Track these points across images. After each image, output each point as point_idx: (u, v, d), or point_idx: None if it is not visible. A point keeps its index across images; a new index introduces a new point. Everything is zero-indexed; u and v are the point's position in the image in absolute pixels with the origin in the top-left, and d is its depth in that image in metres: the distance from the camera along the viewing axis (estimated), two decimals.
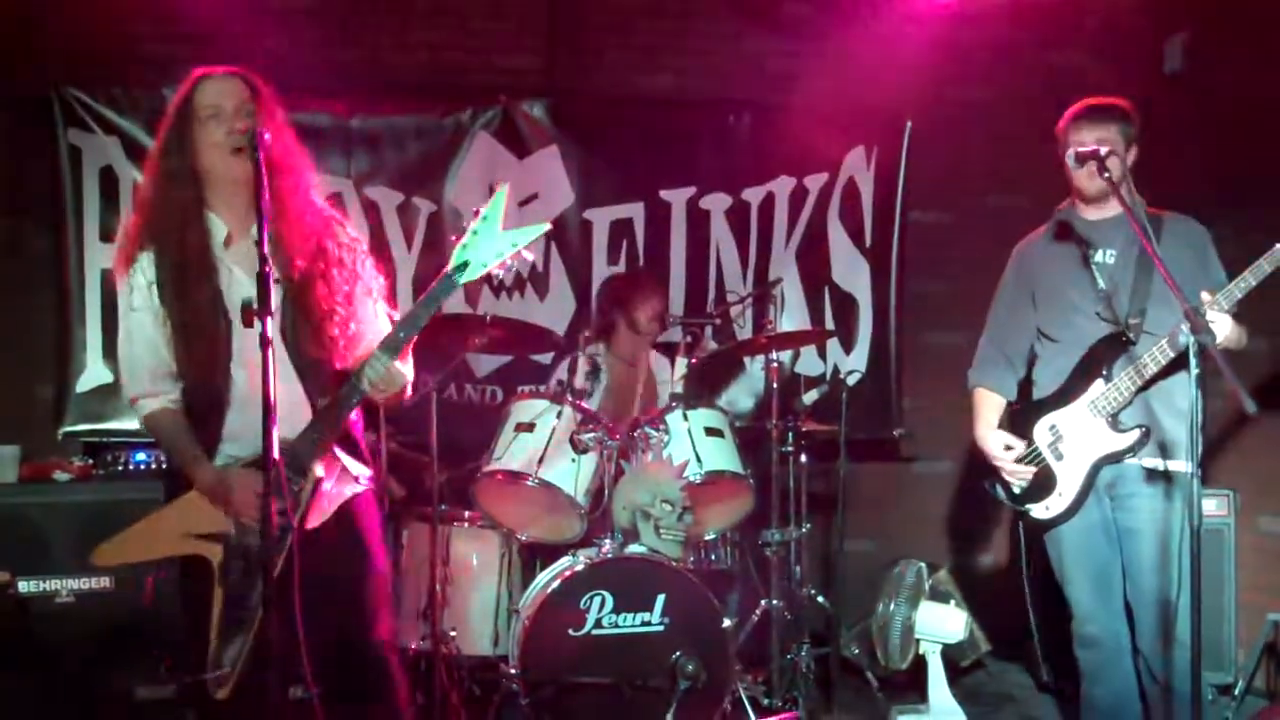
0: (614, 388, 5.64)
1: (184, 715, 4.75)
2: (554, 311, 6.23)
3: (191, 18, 5.92)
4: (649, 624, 4.58)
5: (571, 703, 4.44)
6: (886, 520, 6.60)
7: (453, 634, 4.99)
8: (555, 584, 4.58)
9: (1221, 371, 3.41)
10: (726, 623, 4.67)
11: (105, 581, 4.91)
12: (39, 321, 5.84)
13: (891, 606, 5.45)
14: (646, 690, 4.47)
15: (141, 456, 5.28)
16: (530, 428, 4.92)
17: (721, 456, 5.03)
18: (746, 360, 6.36)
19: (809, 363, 6.49)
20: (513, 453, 4.91)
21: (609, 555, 4.69)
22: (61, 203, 5.80)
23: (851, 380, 5.87)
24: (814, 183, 6.51)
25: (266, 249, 3.13)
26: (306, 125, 5.95)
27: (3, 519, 4.91)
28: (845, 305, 6.57)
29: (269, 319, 3.00)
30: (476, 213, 3.36)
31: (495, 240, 3.29)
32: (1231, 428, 5.73)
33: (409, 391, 3.55)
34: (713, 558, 5.30)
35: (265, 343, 2.99)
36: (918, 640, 5.35)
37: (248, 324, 3.07)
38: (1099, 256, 4.25)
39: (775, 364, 5.30)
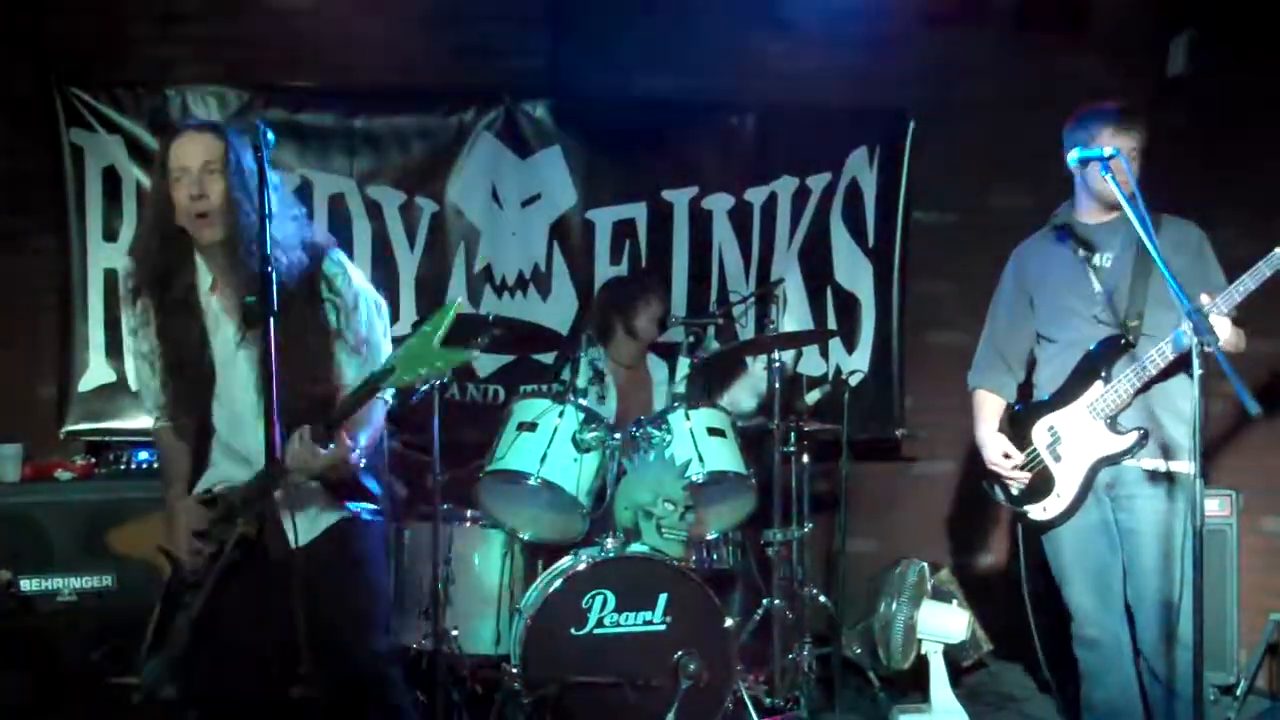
0: (621, 393, 5.64)
1: (185, 714, 4.80)
2: (556, 311, 6.22)
3: (194, 17, 5.94)
4: (651, 623, 4.59)
5: (573, 702, 4.45)
6: (888, 520, 6.58)
7: (454, 633, 4.98)
8: (557, 583, 4.59)
9: (1224, 373, 3.41)
10: (728, 622, 4.67)
11: (107, 580, 4.93)
12: (41, 321, 5.85)
13: (893, 606, 5.45)
14: (648, 689, 4.48)
15: (144, 455, 5.29)
16: (532, 427, 4.92)
17: (724, 456, 5.03)
18: (749, 360, 6.35)
19: (811, 363, 6.48)
20: (515, 452, 4.91)
21: (611, 554, 4.69)
22: (64, 202, 5.81)
23: (854, 380, 5.89)
24: (817, 182, 6.50)
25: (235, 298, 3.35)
26: (310, 125, 6.00)
27: (5, 518, 4.92)
28: (848, 305, 6.56)
29: (271, 321, 3.04)
30: (421, 320, 3.41)
31: (428, 355, 3.16)
32: (1233, 429, 5.73)
33: (349, 461, 3.40)
34: (715, 557, 5.29)
35: (268, 340, 3.03)
36: (919, 640, 5.36)
37: (251, 325, 3.16)
38: (1097, 259, 4.26)
39: (778, 364, 5.30)
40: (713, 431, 5.08)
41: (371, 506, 3.60)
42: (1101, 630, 4.28)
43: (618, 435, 4.95)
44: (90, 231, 5.81)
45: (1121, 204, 3.85)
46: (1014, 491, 4.38)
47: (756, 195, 6.44)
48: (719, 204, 6.41)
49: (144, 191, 5.71)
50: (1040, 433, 4.31)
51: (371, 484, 3.61)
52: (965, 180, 6.63)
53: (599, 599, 4.55)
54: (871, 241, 6.56)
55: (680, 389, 5.59)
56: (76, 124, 5.81)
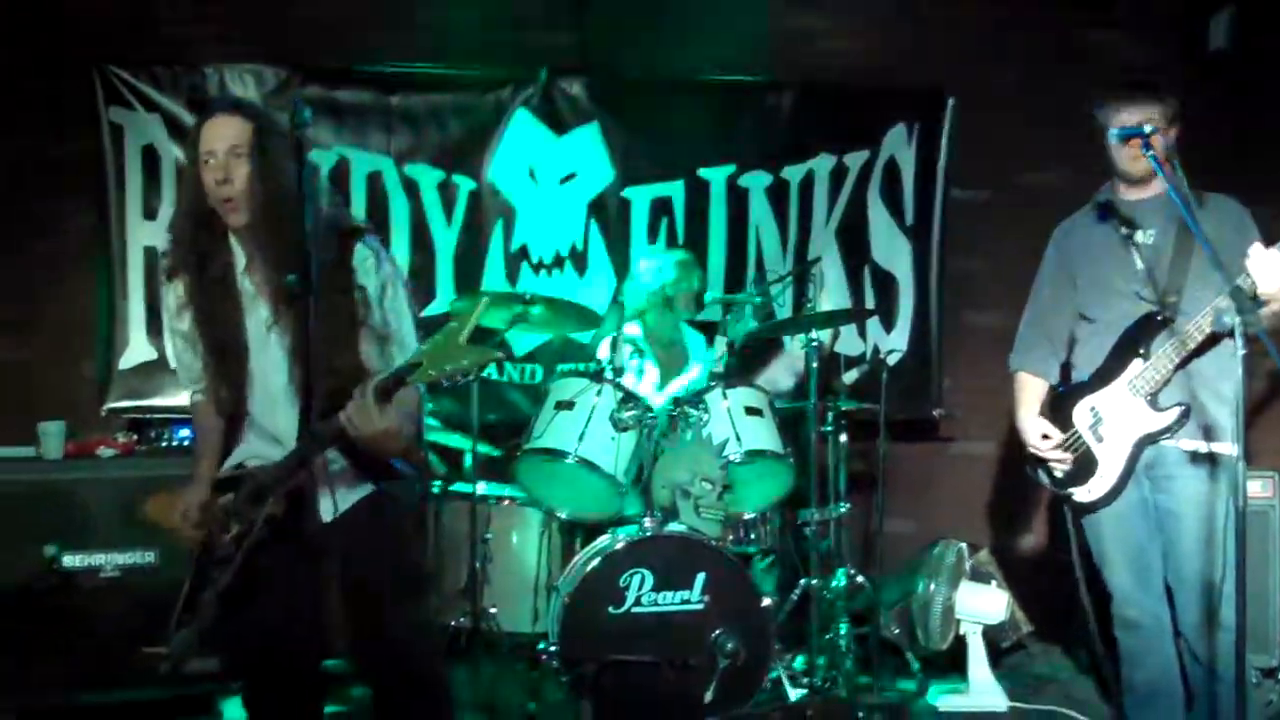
0: (661, 369, 5.64)
1: (228, 688, 4.84)
2: (594, 289, 6.22)
3: None
4: (688, 602, 4.58)
5: (611, 681, 4.45)
6: (926, 500, 6.57)
7: (492, 611, 5.01)
8: (595, 562, 4.59)
9: (1268, 352, 3.38)
10: (766, 601, 4.67)
11: (150, 556, 4.95)
12: (83, 299, 5.87)
13: (932, 587, 5.44)
14: (686, 668, 4.47)
15: (185, 432, 5.29)
16: (570, 405, 4.93)
17: (761, 435, 5.02)
18: (786, 339, 6.33)
19: (849, 342, 6.45)
20: (553, 431, 4.91)
21: (649, 533, 4.69)
22: (104, 181, 5.83)
23: (892, 360, 5.84)
24: (854, 160, 6.47)
25: (264, 279, 3.39)
26: (347, 104, 6.00)
27: (49, 494, 4.95)
28: (886, 284, 6.53)
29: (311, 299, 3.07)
30: (448, 315, 3.43)
31: (454, 353, 3.12)
32: (1276, 409, 5.68)
33: (398, 445, 3.35)
34: (752, 536, 5.30)
35: (306, 317, 3.09)
36: (958, 621, 5.35)
37: (287, 303, 3.19)
38: (1139, 236, 4.22)
39: (815, 343, 5.28)
40: (750, 411, 5.07)
41: (400, 483, 3.59)
42: (1141, 612, 4.25)
43: (654, 414, 4.95)
44: (130, 210, 5.82)
45: (1156, 180, 3.82)
46: (1058, 474, 4.35)
47: (794, 173, 6.41)
48: (756, 182, 6.39)
49: (182, 169, 5.73)
50: (1082, 414, 4.27)
51: (399, 464, 3.60)
52: (1002, 158, 6.59)
53: (636, 578, 4.55)
54: (909, 219, 6.53)
55: (718, 368, 5.58)
56: (115, 103, 5.82)
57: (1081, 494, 4.27)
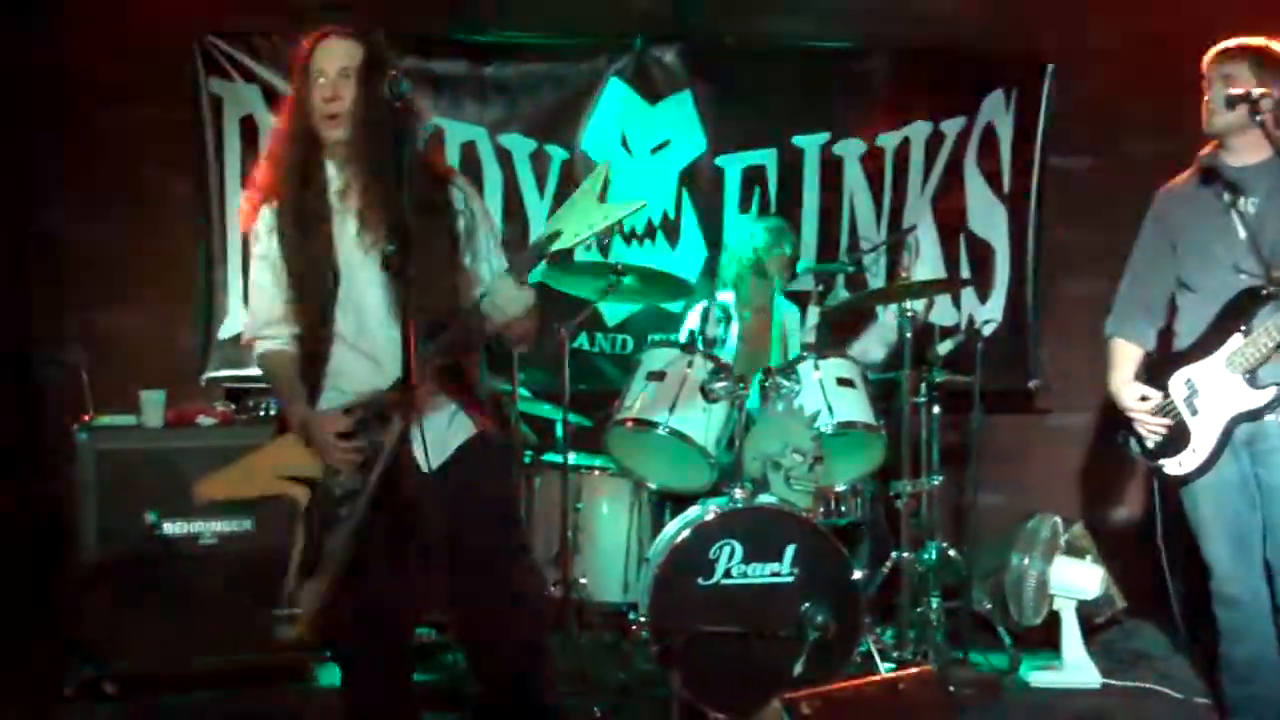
0: (747, 337, 5.63)
1: (322, 654, 4.92)
2: (685, 259, 6.20)
3: None
4: (778, 574, 4.58)
5: (700, 651, 4.47)
6: (1020, 473, 6.50)
7: (583, 581, 5.05)
8: (685, 533, 4.60)
9: None
10: (856, 574, 4.66)
11: (247, 524, 5.04)
12: (182, 269, 5.95)
13: (1025, 561, 5.39)
14: (775, 641, 4.49)
15: None
16: (661, 376, 4.93)
17: (853, 407, 5.01)
18: (879, 309, 6.28)
19: (943, 312, 6.37)
20: (644, 401, 4.93)
21: (739, 505, 4.69)
22: (203, 151, 5.89)
23: (987, 330, 5.79)
24: (951, 127, 6.39)
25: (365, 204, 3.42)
26: (442, 74, 6.03)
27: (150, 462, 5.04)
28: (981, 253, 6.45)
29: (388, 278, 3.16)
30: (577, 183, 3.44)
31: (590, 212, 3.28)
32: None
33: (533, 326, 3.53)
34: (843, 509, 5.28)
35: (406, 289, 3.09)
36: (1052, 596, 5.30)
37: (386, 269, 3.23)
38: (1243, 204, 4.13)
39: (909, 313, 5.24)
40: (842, 382, 5.05)
41: (489, 418, 3.64)
42: (1241, 588, 4.19)
43: (743, 381, 4.93)
44: (229, 181, 5.87)
45: (1263, 146, 3.74)
46: (1149, 444, 4.29)
47: (889, 141, 6.34)
48: (850, 150, 6.33)
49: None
50: (1177, 385, 4.20)
51: (482, 395, 3.66)
52: (1102, 125, 6.48)
53: (726, 549, 4.56)
54: (1006, 188, 6.44)
55: (809, 338, 5.55)
56: (215, 74, 5.87)
57: (1172, 466, 4.21)
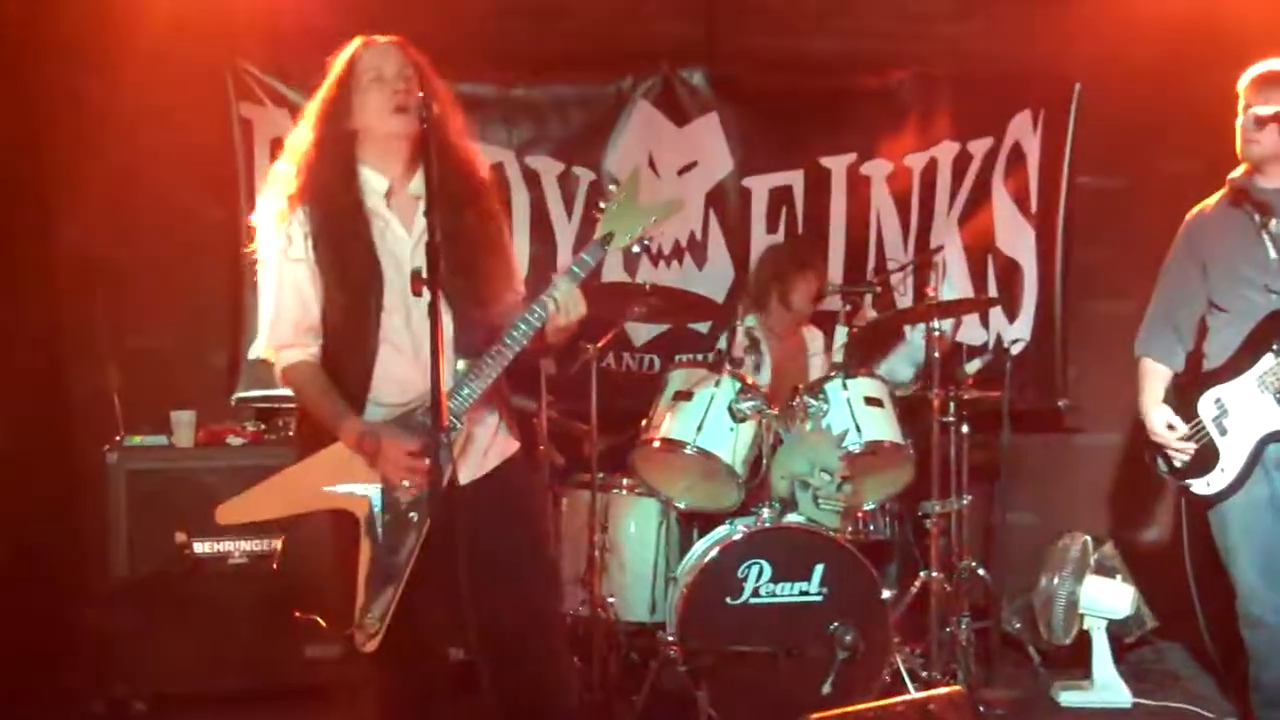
0: (775, 364, 5.63)
1: (350, 675, 4.92)
2: (712, 280, 6.20)
3: None
4: (807, 594, 4.59)
5: (728, 671, 4.48)
6: (1049, 492, 6.47)
7: (610, 600, 5.04)
8: (713, 552, 4.61)
9: None
10: (885, 594, 4.65)
11: (277, 544, 5.07)
12: (213, 290, 5.99)
13: (1055, 581, 5.36)
14: (804, 660, 4.49)
15: None
16: (688, 396, 4.95)
17: (881, 426, 5.00)
18: (907, 329, 6.25)
19: (971, 331, 6.37)
20: (671, 421, 4.94)
21: (767, 524, 4.70)
22: (234, 174, 5.94)
23: (1015, 349, 5.76)
24: (978, 148, 6.38)
25: (418, 208, 3.36)
26: (469, 96, 5.98)
27: (180, 482, 5.08)
28: (1009, 272, 6.44)
29: (440, 291, 3.05)
30: (611, 192, 3.46)
31: (635, 214, 3.41)
32: None
33: (576, 328, 3.51)
34: (871, 528, 5.27)
35: (436, 314, 3.03)
36: (1082, 615, 5.27)
37: (416, 293, 3.09)
38: (1273, 226, 4.12)
39: (937, 333, 5.24)
40: (870, 401, 5.04)
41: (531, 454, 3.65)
42: (1266, 610, 4.19)
43: (773, 405, 4.94)
44: (259, 203, 5.91)
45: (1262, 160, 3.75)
46: (1177, 464, 4.28)
47: (916, 161, 6.34)
48: (878, 170, 6.33)
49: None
50: (1207, 405, 4.20)
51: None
52: (1131, 144, 6.46)
53: (754, 569, 4.57)
54: (1034, 207, 6.43)
55: (838, 358, 5.55)
56: (245, 98, 5.91)
57: (1200, 486, 4.20)
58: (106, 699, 4.96)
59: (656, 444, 4.97)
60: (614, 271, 5.48)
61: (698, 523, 5.22)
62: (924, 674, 5.06)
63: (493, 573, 3.30)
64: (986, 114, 6.39)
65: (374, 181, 3.48)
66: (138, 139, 5.94)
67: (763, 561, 4.56)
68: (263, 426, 5.45)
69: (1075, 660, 5.38)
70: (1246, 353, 4.12)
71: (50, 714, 5.01)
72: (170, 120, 5.95)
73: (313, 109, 3.55)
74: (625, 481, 5.26)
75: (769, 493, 4.83)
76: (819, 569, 4.59)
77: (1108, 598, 5.27)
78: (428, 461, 3.31)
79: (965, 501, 5.37)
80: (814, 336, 5.85)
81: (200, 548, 5.05)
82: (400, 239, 3.45)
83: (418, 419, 3.36)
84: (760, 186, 6.28)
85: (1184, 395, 4.29)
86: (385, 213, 3.47)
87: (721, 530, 4.85)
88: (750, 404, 4.87)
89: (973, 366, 5.71)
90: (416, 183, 3.45)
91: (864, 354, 5.83)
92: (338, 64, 3.53)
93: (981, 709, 4.92)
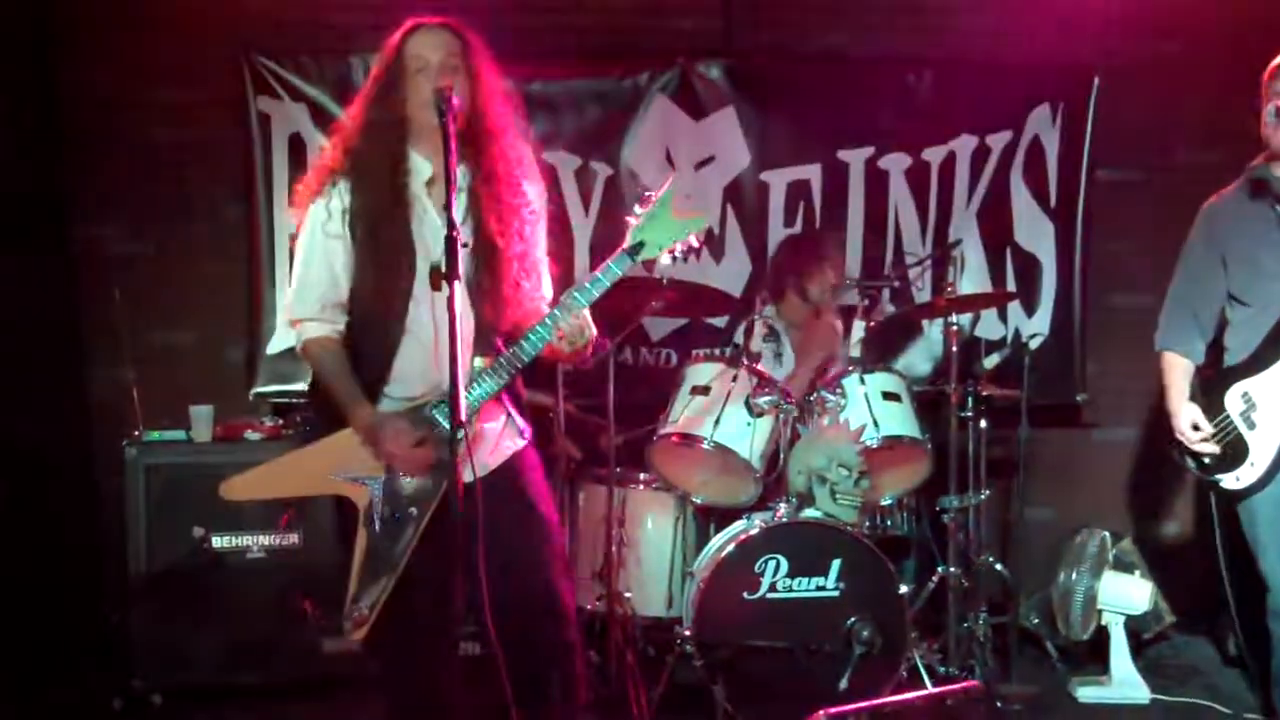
0: (798, 351, 5.62)
1: (367, 669, 4.93)
2: (730, 274, 6.19)
3: None
4: (824, 589, 4.58)
5: (745, 666, 4.48)
6: (1067, 488, 6.45)
7: (627, 595, 5.04)
8: (730, 547, 4.61)
9: None
10: (902, 589, 4.64)
11: (294, 538, 5.09)
12: (231, 285, 6.02)
13: (1073, 576, 5.35)
14: (821, 655, 4.48)
15: None
16: (705, 390, 4.94)
17: (899, 421, 4.99)
18: (925, 323, 6.24)
19: (989, 326, 6.34)
20: (688, 415, 4.93)
21: (784, 519, 4.69)
22: (252, 169, 5.95)
23: (1034, 344, 5.72)
24: (997, 141, 6.35)
25: (460, 202, 3.33)
26: None
27: (198, 476, 5.07)
28: (1028, 266, 6.41)
29: (457, 283, 3.02)
30: (648, 197, 3.43)
31: (670, 225, 3.40)
32: None
33: (590, 351, 3.55)
34: (889, 523, 5.26)
35: (453, 309, 3.00)
36: (1100, 611, 5.26)
37: (435, 287, 3.07)
38: None
39: (955, 327, 5.23)
40: (888, 396, 5.03)
41: (527, 429, 3.63)
42: None
43: (790, 404, 4.93)
44: (276, 198, 5.92)
45: None
46: (1205, 460, 4.25)
47: (934, 155, 6.31)
48: (895, 164, 6.30)
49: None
50: (1233, 399, 4.17)
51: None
52: (1151, 138, 6.43)
53: (772, 563, 4.56)
54: (1053, 201, 6.40)
55: (855, 353, 5.54)
56: (264, 92, 5.92)
57: (1229, 481, 4.18)
58: (125, 693, 4.97)
59: (674, 439, 4.96)
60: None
61: (714, 517, 5.22)
62: (941, 669, 5.07)
63: (501, 567, 3.30)
64: (1005, 107, 6.36)
65: (420, 167, 3.46)
66: (156, 135, 5.98)
67: (780, 556, 4.56)
68: (280, 421, 5.45)
69: (1093, 656, 5.37)
70: (1272, 345, 4.09)
71: (69, 708, 5.03)
72: (188, 116, 5.99)
73: (364, 89, 3.55)
74: (642, 476, 5.26)
75: (786, 487, 4.83)
76: (836, 564, 4.58)
77: (1126, 593, 5.25)
78: (428, 459, 3.35)
79: (983, 496, 5.36)
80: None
81: (218, 542, 5.07)
82: (436, 228, 3.40)
83: (426, 413, 3.37)
84: (778, 180, 6.26)
85: (1209, 390, 4.27)
86: (425, 200, 3.46)
87: (738, 525, 4.84)
88: (768, 399, 4.86)
89: (991, 361, 5.67)
90: (463, 176, 3.43)
91: (882, 349, 5.82)
92: (388, 45, 3.48)
93: (999, 705, 4.92)
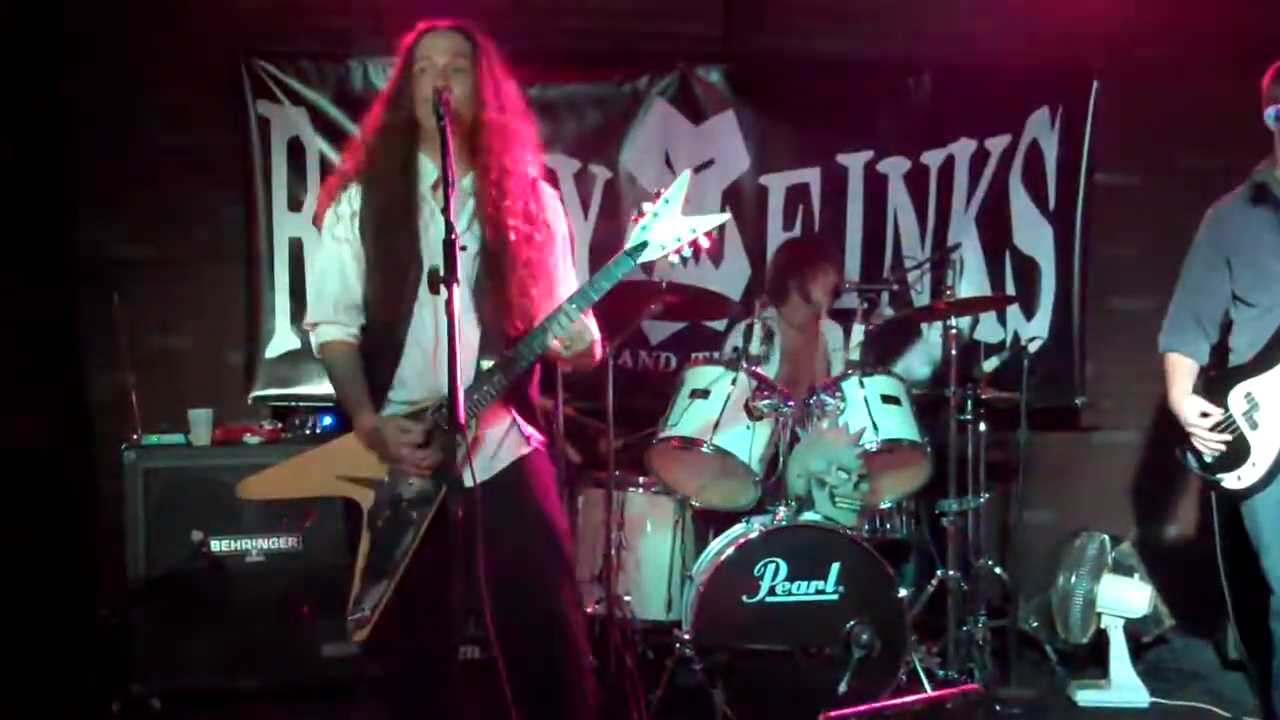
0: (789, 354, 5.62)
1: (366, 672, 4.93)
2: (729, 277, 6.18)
3: None
4: (823, 592, 4.58)
5: (745, 669, 4.48)
6: (1067, 491, 6.45)
7: (627, 598, 5.04)
8: (729, 551, 4.61)
9: None
10: (902, 592, 4.64)
11: (293, 541, 5.09)
12: (230, 289, 6.00)
13: (1073, 579, 5.35)
14: (820, 659, 4.48)
15: (328, 420, 5.40)
16: (705, 394, 4.94)
17: (898, 424, 4.99)
18: (924, 327, 6.25)
19: (988, 329, 6.34)
20: (687, 419, 4.93)
21: (783, 523, 4.69)
22: (251, 173, 5.93)
23: (1033, 347, 5.74)
24: (996, 145, 6.35)
25: (468, 206, 3.36)
26: None
27: (197, 480, 5.10)
28: (1027, 270, 6.41)
29: (455, 286, 3.00)
30: (658, 194, 3.39)
31: (675, 224, 3.33)
32: None
33: (597, 353, 3.55)
34: (888, 527, 5.27)
35: (451, 313, 2.99)
36: (1099, 614, 5.26)
37: (433, 291, 3.06)
38: None
39: (954, 330, 5.23)
40: (887, 399, 5.04)
41: (539, 436, 3.60)
42: None
43: (791, 403, 4.93)
44: (275, 202, 5.91)
45: None
46: (1208, 459, 4.25)
47: (933, 158, 6.31)
48: (895, 168, 6.30)
49: (328, 162, 5.84)
50: (1237, 399, 4.16)
51: (536, 409, 3.64)
52: (1151, 141, 6.44)
53: (771, 567, 4.56)
54: (1052, 204, 6.40)
55: (854, 356, 5.54)
56: (263, 96, 5.90)
57: (1230, 481, 4.17)
58: (123, 697, 4.97)
59: (673, 442, 4.96)
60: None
61: (714, 521, 5.21)
62: (940, 673, 5.07)
63: (504, 573, 3.29)
64: (1004, 111, 6.36)
65: (428, 170, 3.46)
66: (155, 138, 5.97)
67: (779, 560, 4.56)
68: (279, 425, 5.47)
69: (1092, 659, 5.38)
70: (1275, 346, 4.09)
71: (68, 711, 5.03)
72: (188, 119, 5.99)
73: (381, 93, 3.57)
74: (641, 480, 5.25)
75: (785, 491, 4.83)
76: (835, 567, 4.58)
77: (1125, 597, 5.25)
78: (430, 461, 3.35)
79: (982, 500, 5.36)
80: (833, 332, 5.82)
81: (217, 546, 5.07)
82: (440, 232, 3.30)
83: (428, 417, 3.37)
84: (777, 184, 6.26)
85: (1213, 391, 4.26)
86: (433, 202, 3.46)
87: (738, 528, 4.84)
88: (767, 402, 4.86)
89: (990, 364, 5.68)
90: (469, 179, 3.44)
91: (881, 352, 5.82)
92: (401, 48, 3.50)
93: (998, 708, 4.92)
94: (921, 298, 6.16)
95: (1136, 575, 5.45)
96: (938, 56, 6.33)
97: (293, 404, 5.89)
